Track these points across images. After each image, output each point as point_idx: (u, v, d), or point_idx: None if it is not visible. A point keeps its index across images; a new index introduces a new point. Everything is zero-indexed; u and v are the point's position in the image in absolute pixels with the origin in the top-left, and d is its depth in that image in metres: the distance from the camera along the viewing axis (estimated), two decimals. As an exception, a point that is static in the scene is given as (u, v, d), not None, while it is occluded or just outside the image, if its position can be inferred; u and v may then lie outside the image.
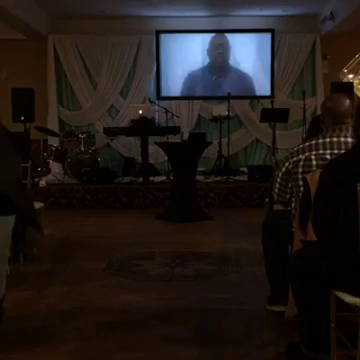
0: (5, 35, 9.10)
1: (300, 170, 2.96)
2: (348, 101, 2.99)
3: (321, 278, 2.38)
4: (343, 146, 2.89)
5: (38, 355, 2.77)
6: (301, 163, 2.95)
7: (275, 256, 3.34)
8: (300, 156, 2.97)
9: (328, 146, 2.92)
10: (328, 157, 2.87)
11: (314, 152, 2.93)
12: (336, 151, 2.88)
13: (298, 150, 3.01)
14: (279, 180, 3.15)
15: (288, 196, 3.16)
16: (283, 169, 3.10)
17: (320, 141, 2.95)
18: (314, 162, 2.91)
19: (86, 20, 9.31)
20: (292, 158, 3.02)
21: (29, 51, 9.53)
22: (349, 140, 2.91)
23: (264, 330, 3.07)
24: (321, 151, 2.92)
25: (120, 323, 3.20)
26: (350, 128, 2.96)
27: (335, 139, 2.92)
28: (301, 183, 2.92)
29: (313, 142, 2.97)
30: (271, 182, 3.32)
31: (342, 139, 2.92)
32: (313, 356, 2.52)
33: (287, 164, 3.05)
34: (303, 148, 2.98)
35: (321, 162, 2.88)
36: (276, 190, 3.19)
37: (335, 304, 2.35)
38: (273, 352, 2.76)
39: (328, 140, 2.93)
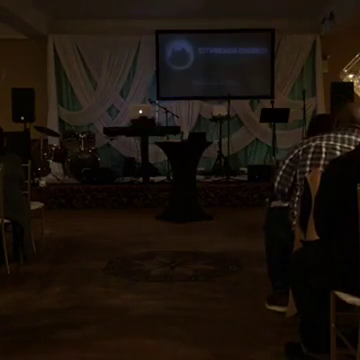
0: (5, 35, 9.12)
1: (310, 156, 2.98)
2: None
3: (321, 278, 2.38)
4: (353, 143, 2.94)
5: (38, 355, 2.77)
6: (311, 149, 2.98)
7: (277, 257, 3.34)
8: (311, 143, 3.01)
9: (339, 140, 2.96)
10: (338, 148, 2.91)
11: (325, 142, 2.97)
12: (346, 145, 2.93)
13: (308, 140, 3.06)
14: (284, 167, 3.14)
15: (288, 187, 3.15)
16: (291, 156, 3.10)
17: (331, 135, 3.00)
18: (324, 149, 2.94)
19: (86, 20, 9.31)
20: (302, 146, 3.06)
21: (29, 51, 9.54)
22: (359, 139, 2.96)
23: (264, 330, 3.07)
24: (332, 142, 2.96)
25: (120, 323, 3.20)
26: None
27: (346, 136, 2.97)
28: (308, 169, 2.93)
29: (325, 135, 3.02)
30: (272, 177, 3.30)
31: (353, 137, 2.96)
32: (313, 356, 2.52)
33: (296, 151, 3.07)
34: (314, 138, 3.03)
35: (330, 151, 2.92)
36: (278, 178, 3.17)
37: (335, 304, 2.35)
38: (273, 352, 2.76)
39: (339, 135, 2.98)
